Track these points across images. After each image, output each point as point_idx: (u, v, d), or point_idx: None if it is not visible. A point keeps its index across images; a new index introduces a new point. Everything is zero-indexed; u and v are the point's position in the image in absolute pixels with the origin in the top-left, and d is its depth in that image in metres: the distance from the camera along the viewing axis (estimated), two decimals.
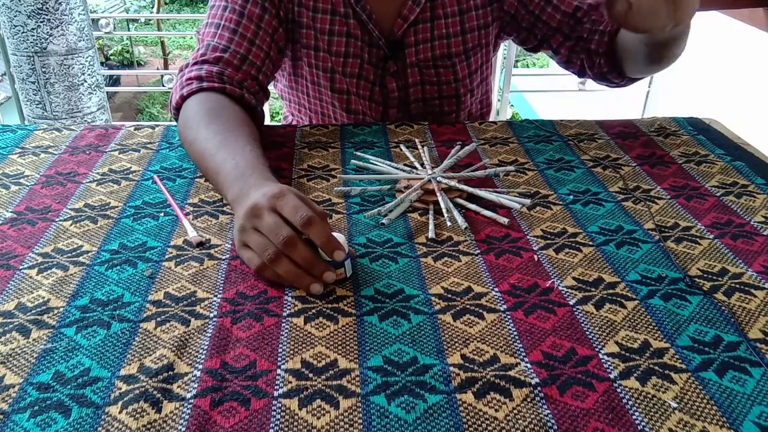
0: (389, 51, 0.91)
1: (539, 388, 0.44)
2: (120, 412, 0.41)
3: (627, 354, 0.47)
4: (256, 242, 0.54)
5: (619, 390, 0.44)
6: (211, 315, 0.51)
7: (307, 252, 0.53)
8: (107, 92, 2.66)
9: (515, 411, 0.42)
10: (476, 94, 1.02)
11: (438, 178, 0.71)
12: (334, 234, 0.54)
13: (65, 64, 2.35)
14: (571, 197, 0.71)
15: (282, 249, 0.52)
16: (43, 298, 0.52)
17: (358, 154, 0.80)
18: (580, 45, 0.91)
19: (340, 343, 0.48)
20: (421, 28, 0.90)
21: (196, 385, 0.44)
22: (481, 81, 1.01)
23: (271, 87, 0.89)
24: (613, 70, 0.90)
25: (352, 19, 0.88)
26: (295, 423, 0.41)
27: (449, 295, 0.54)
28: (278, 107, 5.19)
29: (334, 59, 0.91)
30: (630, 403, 0.43)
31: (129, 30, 6.44)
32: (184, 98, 0.78)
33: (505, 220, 0.64)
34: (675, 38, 0.75)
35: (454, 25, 0.91)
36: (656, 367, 0.46)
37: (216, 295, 0.53)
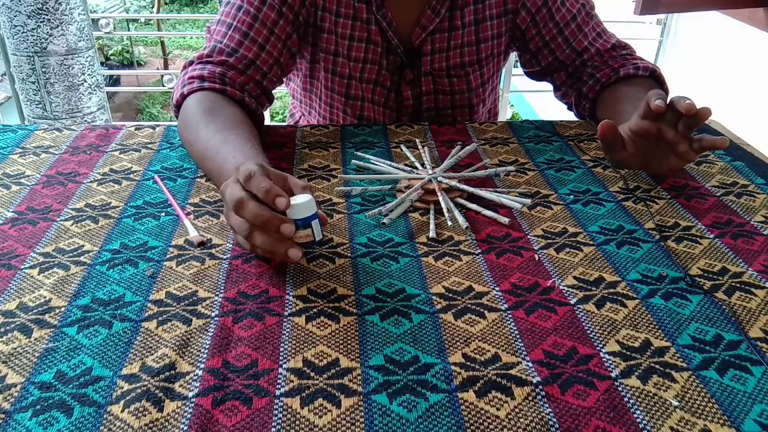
0: (406, 59, 0.91)
1: (540, 387, 0.44)
2: (122, 411, 0.41)
3: (628, 353, 0.47)
4: (234, 223, 0.54)
5: (620, 388, 0.44)
6: (213, 314, 0.51)
7: (257, 208, 0.51)
8: (107, 92, 2.66)
9: (517, 410, 0.42)
10: (487, 104, 1.03)
11: (438, 178, 0.71)
12: (298, 197, 0.52)
13: (65, 64, 2.35)
14: (572, 197, 0.71)
15: (236, 212, 0.52)
16: (45, 297, 0.52)
17: (359, 154, 0.80)
18: (577, 85, 0.94)
19: (341, 342, 0.48)
20: (438, 37, 0.90)
21: (197, 384, 0.44)
22: (491, 90, 1.02)
23: (280, 87, 0.89)
24: (591, 117, 0.93)
25: (374, 25, 0.88)
26: (297, 422, 0.41)
27: (450, 295, 0.54)
28: (278, 107, 5.18)
29: (352, 65, 0.90)
30: (631, 401, 0.43)
31: (129, 30, 6.43)
32: (184, 96, 0.78)
33: (505, 220, 0.64)
34: None
35: (469, 35, 0.91)
36: (657, 366, 0.46)
37: (217, 295, 0.53)
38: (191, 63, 0.82)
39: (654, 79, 0.88)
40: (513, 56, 2.58)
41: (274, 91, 0.89)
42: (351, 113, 0.96)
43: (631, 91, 0.84)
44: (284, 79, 1.04)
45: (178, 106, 0.80)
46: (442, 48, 0.91)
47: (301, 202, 0.52)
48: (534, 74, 0.99)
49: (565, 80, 0.95)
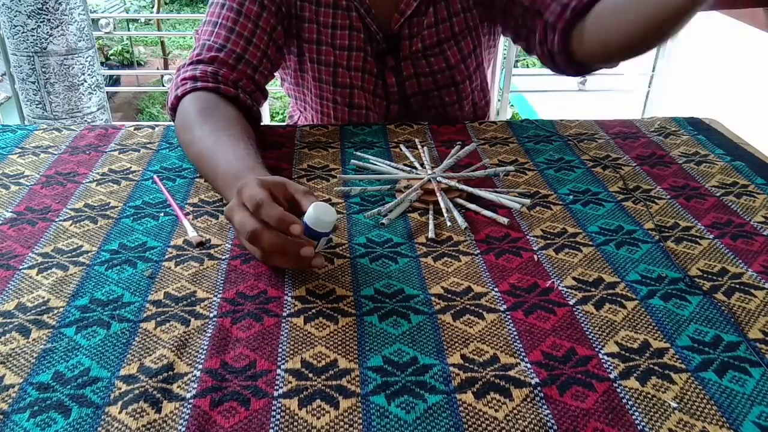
0: (386, 45, 0.91)
1: (539, 388, 0.44)
2: (120, 412, 0.41)
3: (627, 354, 0.47)
4: (247, 246, 0.56)
5: (618, 390, 0.44)
6: (211, 315, 0.51)
7: (272, 238, 0.51)
8: (107, 92, 2.66)
9: (515, 411, 0.42)
10: (474, 80, 1.01)
11: (438, 178, 0.71)
12: (318, 205, 0.52)
13: (65, 64, 2.35)
14: (571, 197, 0.71)
15: (252, 243, 0.53)
16: (43, 298, 0.52)
17: (358, 154, 0.80)
18: (536, 19, 0.82)
19: (340, 343, 0.48)
20: (415, 21, 0.90)
21: (195, 385, 0.44)
22: (477, 66, 1.00)
23: (272, 86, 0.89)
24: (563, 52, 0.79)
25: (354, 12, 0.88)
26: (295, 423, 0.41)
27: (449, 295, 0.54)
28: (278, 107, 5.19)
29: (338, 53, 0.91)
30: (630, 403, 0.43)
31: (129, 30, 6.43)
32: (179, 98, 0.78)
33: (505, 220, 0.64)
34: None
35: (441, 11, 0.90)
36: (656, 367, 0.46)
37: (216, 295, 0.53)
38: (183, 65, 0.82)
39: None
40: (513, 56, 2.58)
41: (273, 91, 0.89)
42: (341, 102, 0.95)
43: None
44: (279, 79, 1.04)
45: (173, 109, 0.80)
46: (420, 30, 0.91)
47: (328, 221, 0.52)
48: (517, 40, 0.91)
49: (522, 14, 0.84)
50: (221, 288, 0.54)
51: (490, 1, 0.91)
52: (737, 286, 0.55)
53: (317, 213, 0.52)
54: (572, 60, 0.80)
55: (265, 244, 0.52)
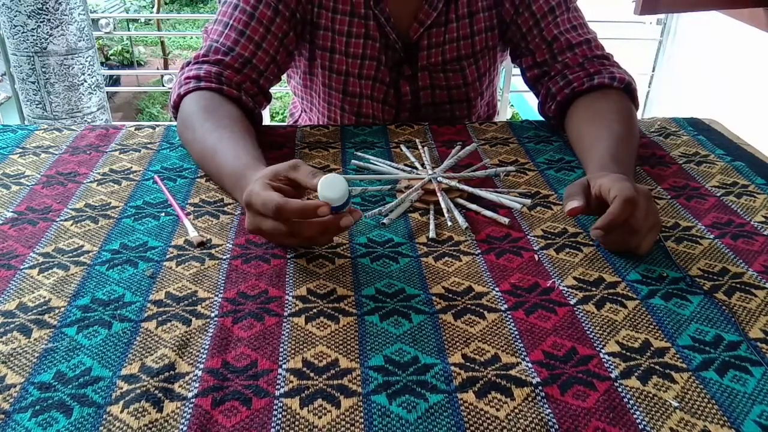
0: (404, 54, 0.91)
1: (540, 388, 0.44)
2: (121, 412, 0.41)
3: (628, 353, 0.47)
4: (284, 242, 0.59)
5: (620, 389, 0.44)
6: (212, 315, 0.51)
7: (310, 227, 0.54)
8: (107, 92, 2.66)
9: (516, 410, 0.42)
10: (485, 97, 1.02)
11: (438, 178, 0.71)
12: (330, 176, 0.53)
13: (65, 64, 2.35)
14: None
15: (295, 239, 0.56)
16: (44, 297, 0.52)
17: (359, 154, 0.80)
18: (545, 80, 0.89)
19: (341, 342, 0.48)
20: (435, 32, 0.90)
21: (197, 385, 0.44)
22: (489, 83, 1.00)
23: (275, 88, 0.89)
24: (557, 122, 0.88)
25: (372, 20, 0.88)
26: (296, 422, 0.41)
27: (450, 295, 0.54)
28: (278, 107, 5.18)
29: (351, 61, 0.90)
30: (631, 402, 0.43)
31: (129, 30, 6.43)
32: (181, 97, 0.78)
33: (505, 220, 0.64)
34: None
35: (463, 28, 0.90)
36: (657, 367, 0.46)
37: (217, 295, 0.53)
38: (188, 63, 0.82)
39: (628, 92, 0.83)
40: None
41: (273, 91, 0.89)
42: (349, 110, 0.95)
43: (604, 112, 0.78)
44: (285, 77, 1.03)
45: (175, 107, 0.80)
46: (439, 42, 0.90)
47: (342, 189, 0.53)
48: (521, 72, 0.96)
49: (532, 66, 0.90)
50: (222, 288, 0.54)
51: (508, 33, 0.93)
52: (738, 285, 0.56)
53: (327, 188, 0.53)
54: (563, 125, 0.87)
55: (307, 233, 0.55)
